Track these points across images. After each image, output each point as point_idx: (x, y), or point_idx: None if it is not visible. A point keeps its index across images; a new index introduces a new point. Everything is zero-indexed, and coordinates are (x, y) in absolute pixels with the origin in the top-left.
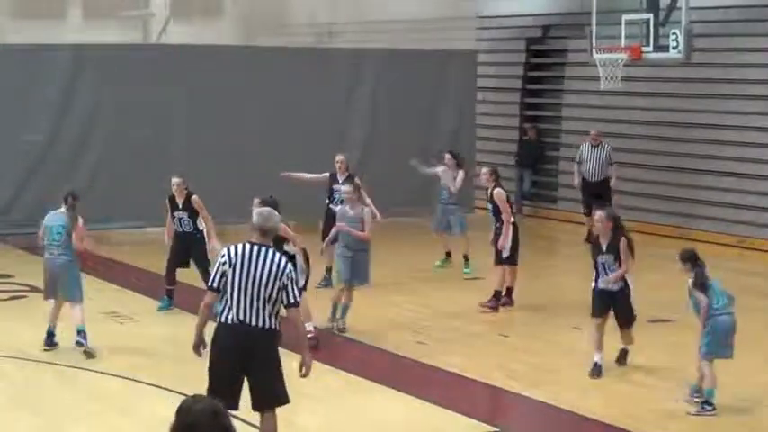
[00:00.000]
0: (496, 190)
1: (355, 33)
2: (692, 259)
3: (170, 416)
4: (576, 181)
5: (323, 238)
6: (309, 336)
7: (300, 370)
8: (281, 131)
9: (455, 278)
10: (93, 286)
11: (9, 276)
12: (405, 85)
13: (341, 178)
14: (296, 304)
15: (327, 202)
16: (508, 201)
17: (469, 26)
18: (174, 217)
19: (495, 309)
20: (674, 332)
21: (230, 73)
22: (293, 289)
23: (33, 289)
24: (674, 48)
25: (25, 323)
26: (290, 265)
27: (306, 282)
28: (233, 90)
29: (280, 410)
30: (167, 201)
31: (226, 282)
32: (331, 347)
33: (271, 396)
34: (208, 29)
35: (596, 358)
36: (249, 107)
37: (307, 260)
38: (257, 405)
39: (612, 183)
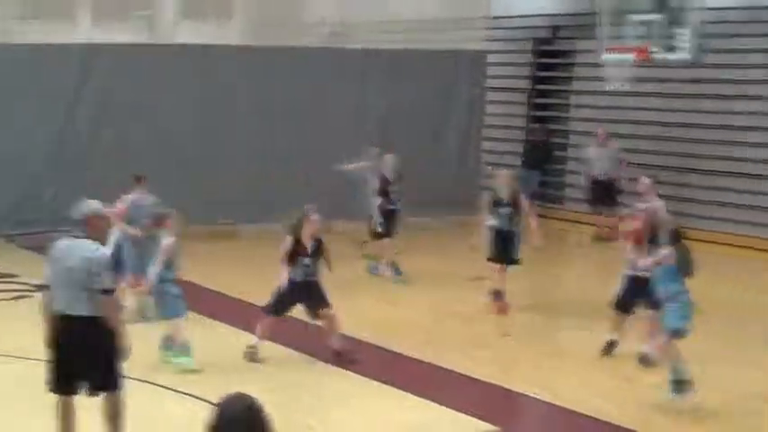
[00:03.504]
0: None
1: (365, 33)
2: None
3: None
4: (585, 182)
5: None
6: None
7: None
8: (291, 131)
9: (459, 279)
10: None
11: (14, 276)
12: (414, 85)
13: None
14: (107, 292)
15: (383, 201)
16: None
17: (478, 26)
18: None
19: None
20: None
21: (240, 73)
22: (104, 276)
23: (40, 288)
24: (683, 48)
25: (32, 322)
26: (102, 253)
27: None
28: (242, 90)
29: (292, 413)
30: None
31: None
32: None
33: (101, 380)
34: (218, 29)
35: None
36: (259, 107)
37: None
38: (90, 389)
39: (622, 182)
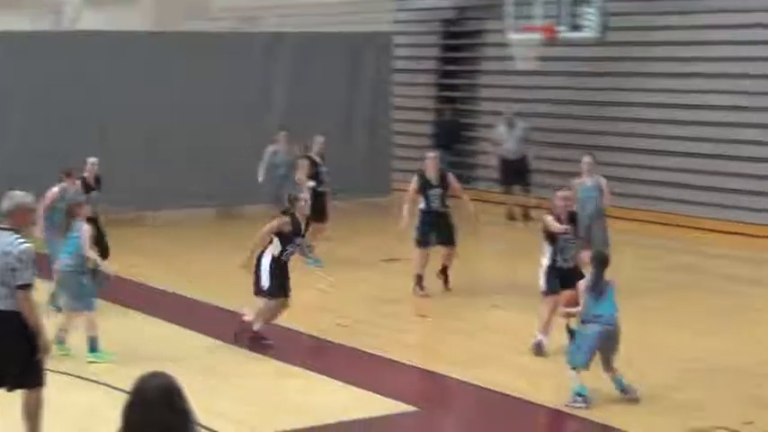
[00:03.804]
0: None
1: (273, 17)
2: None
3: None
4: (494, 162)
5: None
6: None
7: (36, 353)
8: (198, 117)
9: (373, 261)
10: None
11: None
12: (322, 68)
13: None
14: (23, 287)
15: (315, 184)
16: (419, 190)
17: (385, 8)
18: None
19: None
20: None
21: (147, 59)
22: (22, 271)
23: None
24: (588, 27)
25: None
26: (23, 247)
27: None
28: (149, 76)
29: (203, 398)
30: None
31: None
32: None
33: (20, 376)
34: (122, 15)
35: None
36: (166, 93)
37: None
38: (9, 384)
39: (530, 161)
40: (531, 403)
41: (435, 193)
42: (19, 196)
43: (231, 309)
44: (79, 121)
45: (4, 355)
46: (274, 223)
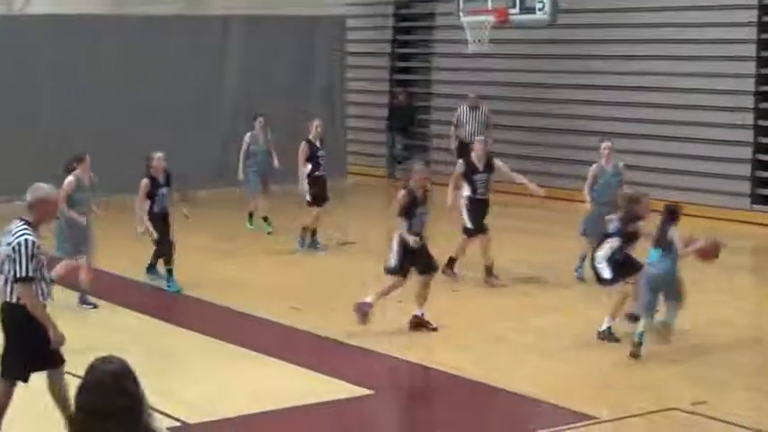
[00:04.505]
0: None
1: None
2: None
3: None
4: (453, 144)
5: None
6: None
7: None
8: (151, 101)
9: (328, 244)
10: None
11: None
12: (274, 51)
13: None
14: (19, 279)
15: (312, 168)
16: (464, 175)
17: None
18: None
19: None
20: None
21: (97, 42)
22: (18, 263)
23: None
24: (540, 9)
25: None
26: (23, 240)
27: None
28: (100, 60)
29: (158, 383)
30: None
31: None
32: (207, 318)
33: (26, 366)
34: None
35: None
36: (117, 77)
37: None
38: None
39: (489, 144)
40: (489, 386)
41: (481, 178)
42: (41, 190)
43: (193, 295)
44: (32, 106)
45: (5, 347)
46: (399, 201)
